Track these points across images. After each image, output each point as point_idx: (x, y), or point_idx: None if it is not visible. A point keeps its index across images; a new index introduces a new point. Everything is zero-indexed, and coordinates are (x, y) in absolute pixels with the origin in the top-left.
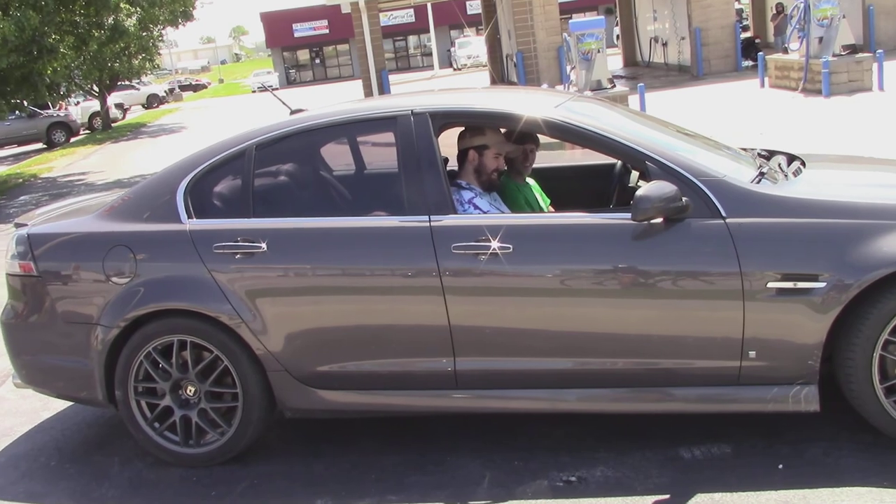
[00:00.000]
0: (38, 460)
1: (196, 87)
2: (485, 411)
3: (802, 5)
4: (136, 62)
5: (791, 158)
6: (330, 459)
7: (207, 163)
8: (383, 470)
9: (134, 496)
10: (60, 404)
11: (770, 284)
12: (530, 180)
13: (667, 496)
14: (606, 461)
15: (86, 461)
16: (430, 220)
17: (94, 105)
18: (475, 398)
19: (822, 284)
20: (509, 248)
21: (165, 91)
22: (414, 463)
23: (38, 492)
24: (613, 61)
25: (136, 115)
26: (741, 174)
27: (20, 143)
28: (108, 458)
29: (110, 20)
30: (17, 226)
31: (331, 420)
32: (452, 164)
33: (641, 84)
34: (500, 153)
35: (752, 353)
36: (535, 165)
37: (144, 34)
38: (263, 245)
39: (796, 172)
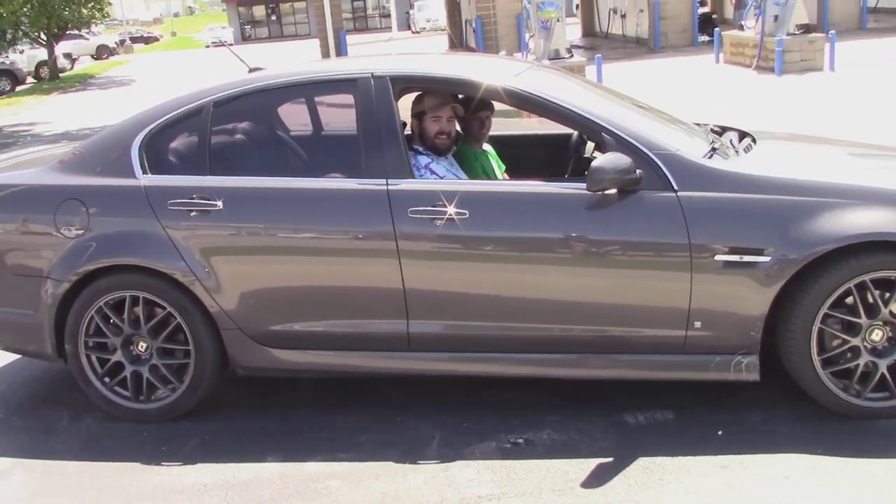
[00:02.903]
0: None
1: (147, 40)
2: (436, 373)
3: None
4: (86, 11)
5: (742, 135)
6: (281, 418)
7: (164, 118)
8: (334, 429)
9: (83, 450)
10: (6, 357)
11: (717, 257)
12: (487, 147)
13: (610, 459)
14: (553, 424)
15: (33, 415)
16: (387, 184)
17: (42, 53)
18: (427, 360)
19: (767, 259)
20: (465, 213)
21: (116, 42)
22: (365, 422)
23: None
24: (572, 31)
25: (84, 65)
26: (694, 149)
27: None
28: (57, 413)
29: None
30: None
31: (282, 379)
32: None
33: (599, 55)
34: (441, 117)
35: (698, 324)
36: (491, 133)
37: None
38: (219, 203)
39: (747, 149)
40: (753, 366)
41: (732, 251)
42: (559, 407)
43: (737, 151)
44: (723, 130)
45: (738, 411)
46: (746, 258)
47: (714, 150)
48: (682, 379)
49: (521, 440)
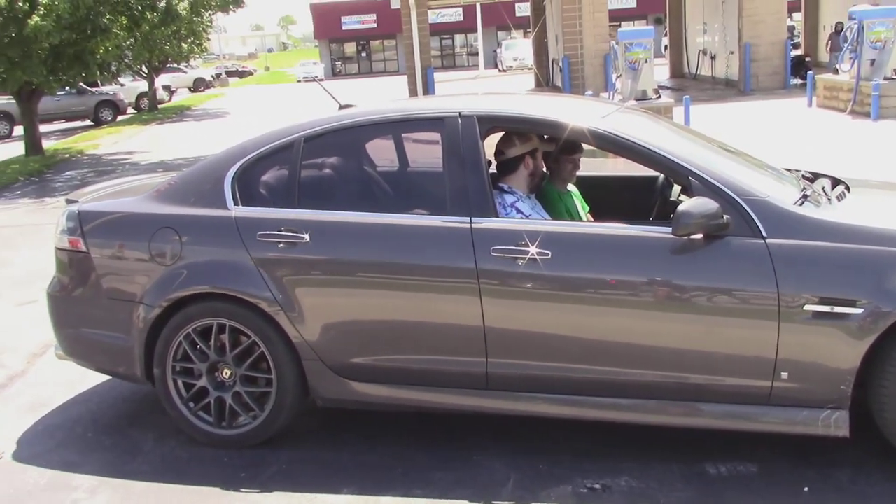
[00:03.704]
0: (74, 430)
1: (242, 74)
2: (513, 413)
3: (856, 26)
4: (186, 46)
5: (835, 182)
6: (358, 450)
7: (257, 152)
8: (410, 464)
9: (166, 472)
10: (98, 377)
11: (807, 307)
12: (572, 188)
13: None
14: (631, 471)
15: (120, 434)
16: (471, 222)
17: (142, 85)
18: (505, 399)
19: (859, 310)
20: (548, 254)
21: (212, 76)
22: (440, 459)
23: (74, 461)
24: (660, 72)
25: (182, 97)
26: (784, 195)
27: (68, 119)
28: (143, 434)
29: (163, 3)
30: (69, 202)
31: (361, 411)
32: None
33: (687, 96)
34: (539, 156)
35: (785, 374)
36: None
37: (196, 18)
38: (306, 236)
39: (840, 197)
40: (843, 421)
41: (823, 301)
42: (637, 452)
43: (829, 199)
44: (814, 177)
45: (826, 468)
46: (837, 309)
47: (805, 197)
48: (766, 431)
49: (597, 485)
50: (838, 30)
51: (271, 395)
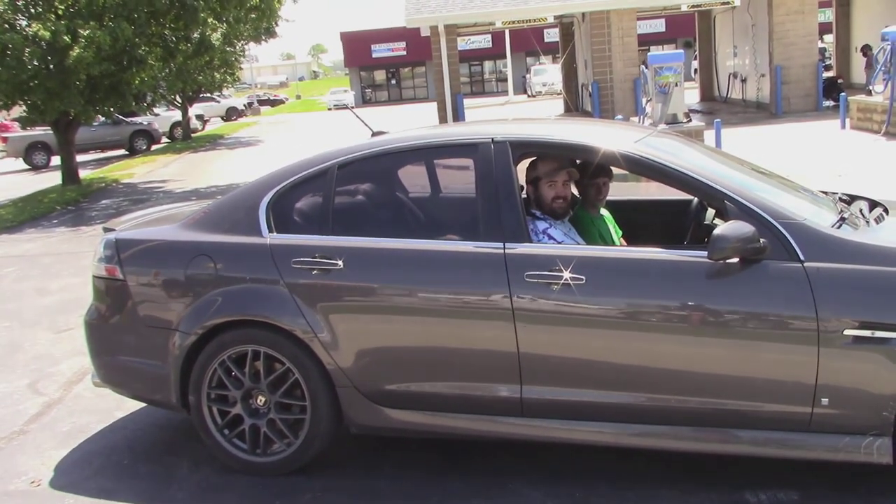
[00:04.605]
0: (110, 458)
1: (274, 102)
2: (549, 440)
3: (889, 47)
4: (219, 76)
5: (873, 204)
6: (393, 478)
7: (290, 179)
8: (446, 492)
9: (201, 500)
10: (134, 405)
11: (847, 332)
12: (604, 212)
13: None
14: (670, 499)
15: (156, 462)
16: (504, 248)
17: (176, 115)
18: (540, 427)
19: None
20: (582, 279)
21: (244, 104)
22: (477, 487)
23: (110, 488)
24: (690, 95)
25: (215, 126)
26: (821, 218)
27: (103, 149)
28: (178, 461)
29: (197, 34)
30: (106, 230)
31: (395, 439)
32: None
33: (718, 120)
34: (557, 182)
35: (825, 400)
36: (608, 198)
37: (228, 49)
38: (340, 262)
39: (878, 219)
40: (885, 448)
41: (863, 326)
42: (675, 480)
43: (867, 222)
44: (851, 199)
45: (868, 496)
46: (879, 334)
47: (843, 219)
48: (807, 458)
49: None
50: (864, 52)
51: (305, 422)
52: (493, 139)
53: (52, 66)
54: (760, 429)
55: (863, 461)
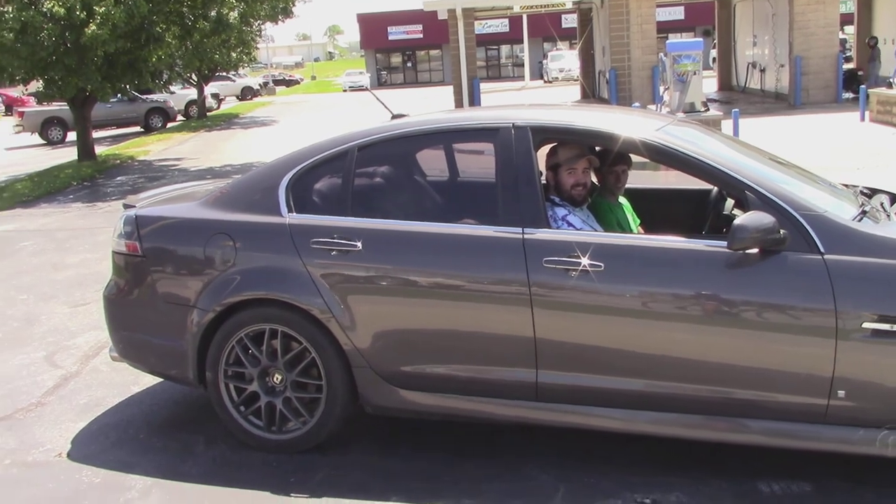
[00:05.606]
0: (127, 432)
1: (289, 83)
2: (563, 425)
3: None
4: (235, 55)
5: (894, 198)
6: (407, 458)
7: (311, 160)
8: (459, 473)
9: (216, 475)
10: (150, 380)
11: (865, 325)
12: (623, 200)
13: None
14: (682, 487)
15: (172, 437)
16: (523, 233)
17: (192, 93)
18: (555, 411)
19: None
20: (600, 266)
21: (259, 84)
22: (490, 469)
23: (127, 461)
24: (708, 84)
25: (230, 105)
26: (842, 210)
27: (119, 126)
28: (194, 437)
29: (214, 13)
30: (126, 206)
31: (410, 419)
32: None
33: (736, 109)
34: (577, 169)
35: (842, 393)
36: (627, 186)
37: (245, 28)
38: (359, 244)
39: None
40: None
41: (882, 319)
42: (688, 467)
43: (888, 215)
44: (873, 192)
45: (882, 488)
46: None
47: (864, 212)
48: (821, 450)
49: (647, 500)
50: (871, 44)
51: (321, 401)
52: (513, 124)
53: (69, 44)
54: (776, 419)
55: (877, 454)
